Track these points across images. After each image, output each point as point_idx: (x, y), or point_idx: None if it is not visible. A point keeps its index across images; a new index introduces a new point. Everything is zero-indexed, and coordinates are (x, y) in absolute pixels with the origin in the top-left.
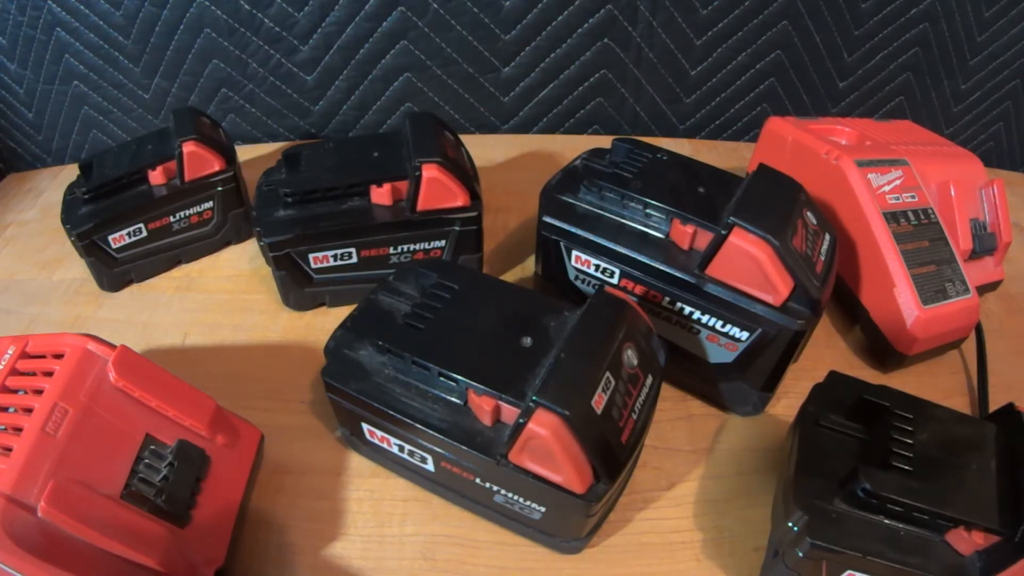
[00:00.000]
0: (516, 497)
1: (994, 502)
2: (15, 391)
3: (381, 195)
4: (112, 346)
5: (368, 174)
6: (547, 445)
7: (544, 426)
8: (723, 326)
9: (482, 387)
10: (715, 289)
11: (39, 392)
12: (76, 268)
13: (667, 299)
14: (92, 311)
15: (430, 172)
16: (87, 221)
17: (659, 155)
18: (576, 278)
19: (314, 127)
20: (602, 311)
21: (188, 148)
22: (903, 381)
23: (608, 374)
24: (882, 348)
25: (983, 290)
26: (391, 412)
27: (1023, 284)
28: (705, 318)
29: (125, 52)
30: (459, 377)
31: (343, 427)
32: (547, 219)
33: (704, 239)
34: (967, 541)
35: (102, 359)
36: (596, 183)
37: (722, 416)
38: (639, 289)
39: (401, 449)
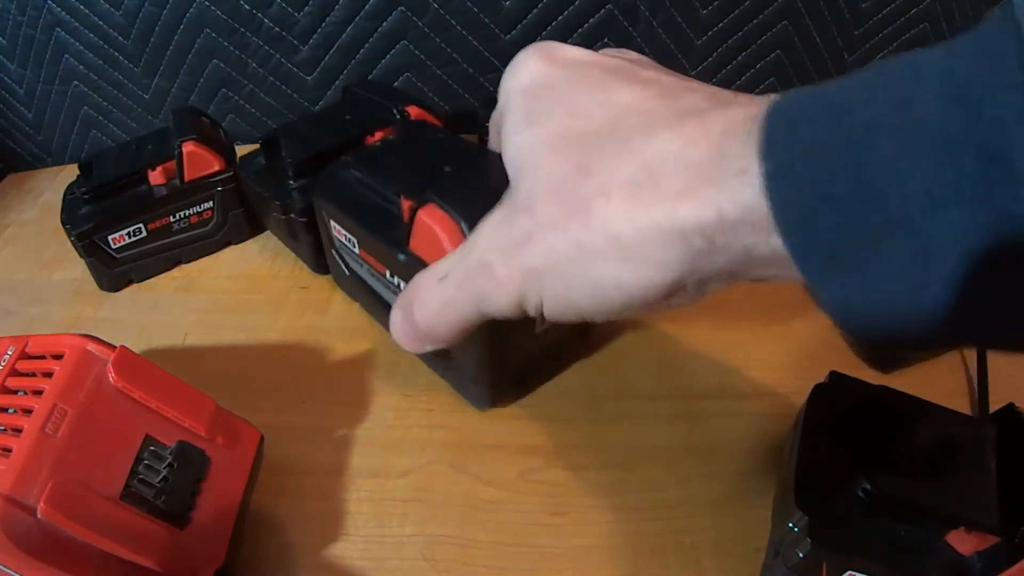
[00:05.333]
0: None
1: (994, 502)
2: (15, 392)
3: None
4: (112, 346)
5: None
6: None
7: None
8: None
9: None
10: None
11: (38, 393)
12: (76, 268)
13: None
14: (92, 311)
15: (188, 147)
16: (87, 221)
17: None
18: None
19: None
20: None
21: (188, 148)
22: (903, 381)
23: None
24: None
25: None
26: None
27: None
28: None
29: (125, 52)
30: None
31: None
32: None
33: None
34: (968, 541)
35: (102, 360)
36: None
37: (722, 416)
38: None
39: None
